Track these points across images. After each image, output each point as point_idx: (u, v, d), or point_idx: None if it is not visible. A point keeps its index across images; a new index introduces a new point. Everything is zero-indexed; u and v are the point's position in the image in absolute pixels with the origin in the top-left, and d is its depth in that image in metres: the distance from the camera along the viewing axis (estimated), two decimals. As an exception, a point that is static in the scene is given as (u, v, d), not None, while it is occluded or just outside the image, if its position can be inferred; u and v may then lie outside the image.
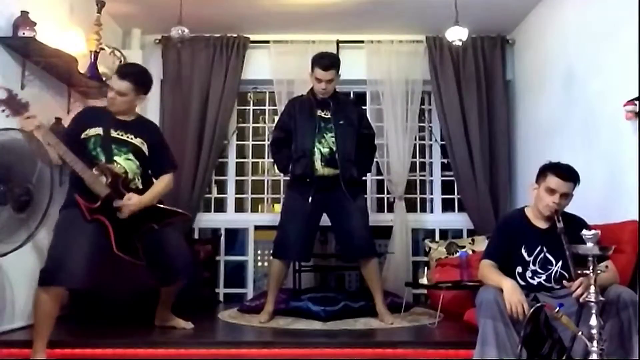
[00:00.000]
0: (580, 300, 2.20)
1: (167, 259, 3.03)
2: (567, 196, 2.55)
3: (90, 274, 2.72)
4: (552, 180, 2.53)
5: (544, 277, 2.55)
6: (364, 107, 4.87)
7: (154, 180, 3.13)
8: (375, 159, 4.91)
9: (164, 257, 3.02)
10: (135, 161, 2.99)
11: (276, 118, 5.20)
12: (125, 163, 2.96)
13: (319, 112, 3.50)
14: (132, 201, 2.90)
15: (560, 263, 2.53)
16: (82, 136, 2.94)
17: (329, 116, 3.50)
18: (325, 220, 3.61)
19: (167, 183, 3.14)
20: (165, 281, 3.15)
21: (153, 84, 3.17)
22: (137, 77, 3.02)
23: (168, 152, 3.24)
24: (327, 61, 3.45)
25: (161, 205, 3.11)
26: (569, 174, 2.55)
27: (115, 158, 2.93)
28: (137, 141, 3.01)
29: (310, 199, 3.42)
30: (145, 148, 3.04)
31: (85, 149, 2.91)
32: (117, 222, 2.86)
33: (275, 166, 3.92)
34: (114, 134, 2.96)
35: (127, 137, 2.99)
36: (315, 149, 3.45)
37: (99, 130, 2.94)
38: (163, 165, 3.16)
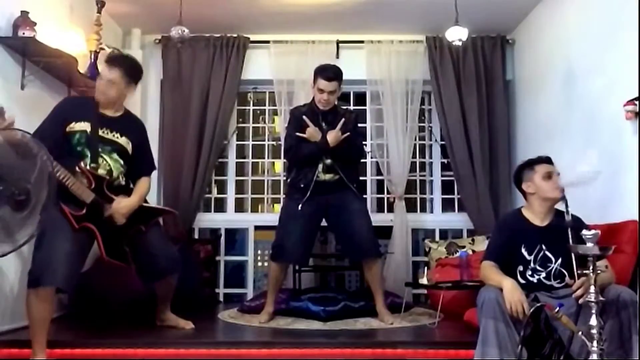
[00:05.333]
0: (580, 301, 2.24)
1: (152, 259, 3.01)
2: (558, 174, 2.68)
3: (77, 275, 2.71)
4: (542, 168, 2.67)
5: (543, 274, 2.56)
6: (364, 108, 4.89)
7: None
8: (375, 159, 4.95)
9: (148, 258, 3.00)
10: (119, 160, 2.95)
11: (276, 118, 5.22)
12: (110, 161, 2.91)
13: (324, 126, 3.48)
14: (122, 205, 2.88)
15: (559, 260, 2.55)
16: (67, 129, 2.85)
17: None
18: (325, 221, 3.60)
19: (149, 184, 3.15)
20: (151, 279, 3.12)
21: (142, 75, 3.10)
22: (127, 64, 2.95)
23: (150, 153, 3.23)
24: (331, 73, 3.43)
25: (146, 205, 3.09)
26: (548, 157, 2.73)
27: (100, 156, 2.88)
28: (123, 140, 2.96)
29: (300, 205, 3.40)
30: (129, 147, 2.99)
31: (69, 143, 2.84)
32: (104, 227, 2.83)
33: (297, 154, 3.53)
34: (100, 132, 2.89)
35: (113, 135, 2.93)
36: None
37: (85, 126, 2.87)
38: (144, 167, 3.14)
